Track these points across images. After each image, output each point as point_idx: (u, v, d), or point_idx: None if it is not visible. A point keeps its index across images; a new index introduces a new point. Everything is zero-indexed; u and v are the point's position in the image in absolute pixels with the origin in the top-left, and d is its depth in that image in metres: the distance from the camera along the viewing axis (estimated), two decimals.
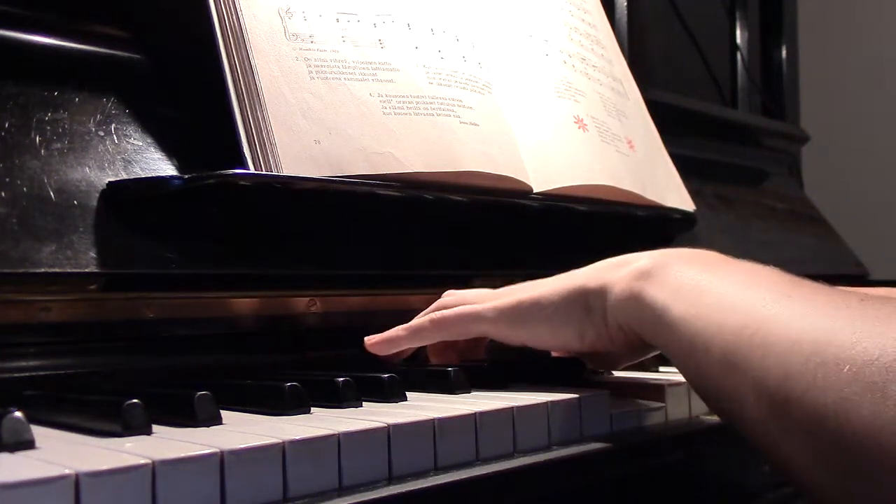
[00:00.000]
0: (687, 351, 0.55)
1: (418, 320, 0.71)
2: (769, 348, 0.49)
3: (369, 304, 0.79)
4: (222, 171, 0.65)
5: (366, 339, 0.71)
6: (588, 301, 0.62)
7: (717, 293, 0.55)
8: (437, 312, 0.70)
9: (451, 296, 0.73)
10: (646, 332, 0.59)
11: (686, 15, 1.55)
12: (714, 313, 0.53)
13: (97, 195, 0.64)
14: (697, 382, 0.56)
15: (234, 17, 0.70)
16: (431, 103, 0.77)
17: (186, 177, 0.66)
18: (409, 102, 0.76)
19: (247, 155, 0.67)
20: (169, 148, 0.71)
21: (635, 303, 0.59)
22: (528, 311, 0.65)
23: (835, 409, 0.44)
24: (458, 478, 0.48)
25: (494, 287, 0.72)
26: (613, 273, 0.61)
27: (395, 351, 0.71)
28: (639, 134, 1.03)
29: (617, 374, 0.74)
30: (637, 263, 0.60)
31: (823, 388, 0.45)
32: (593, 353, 0.68)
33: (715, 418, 0.68)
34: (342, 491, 0.45)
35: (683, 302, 0.55)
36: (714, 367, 0.52)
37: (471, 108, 0.80)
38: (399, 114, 0.75)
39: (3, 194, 0.60)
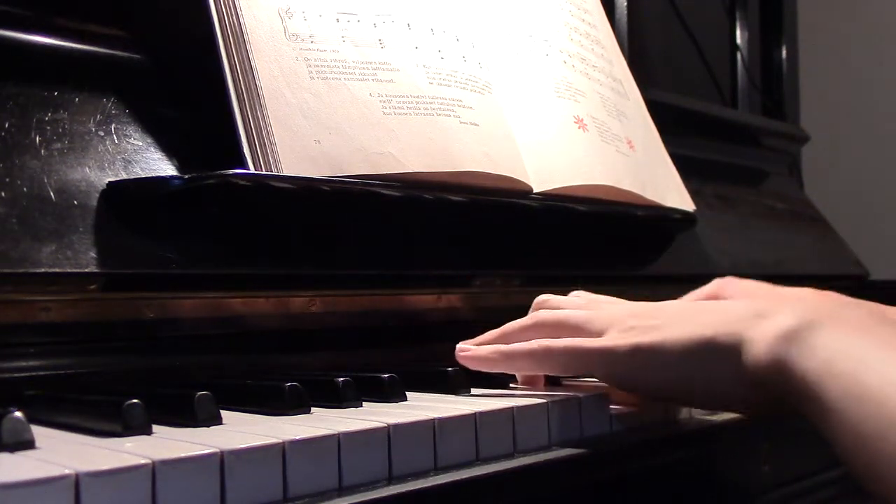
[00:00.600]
0: (851, 440, 0.47)
1: (524, 347, 0.62)
2: None
3: (369, 304, 0.79)
4: (222, 171, 0.65)
5: (459, 347, 0.65)
6: (718, 356, 0.54)
7: (884, 370, 0.47)
8: (543, 342, 0.61)
9: (547, 305, 0.66)
10: (794, 404, 0.51)
11: (686, 15, 1.55)
12: (884, 398, 0.46)
13: (97, 195, 0.64)
14: (865, 473, 0.47)
15: (234, 17, 0.70)
16: (431, 103, 0.77)
17: (186, 177, 0.66)
18: (409, 102, 0.76)
19: (247, 155, 0.67)
20: (169, 148, 0.71)
21: (780, 374, 0.51)
22: (647, 359, 0.57)
23: None
24: (458, 478, 0.48)
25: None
26: (751, 327, 0.53)
27: (484, 370, 0.64)
28: (639, 134, 1.03)
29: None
30: (780, 319, 0.52)
31: None
32: (716, 409, 0.62)
33: (715, 418, 0.68)
34: (342, 491, 0.45)
35: (841, 378, 0.48)
36: (891, 465, 0.45)
37: (471, 108, 0.80)
38: (399, 114, 0.75)
39: (3, 194, 0.60)
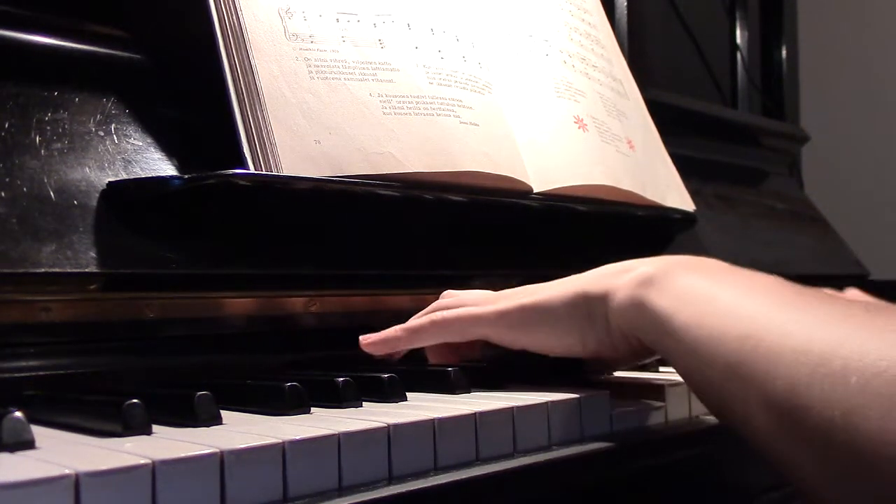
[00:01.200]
0: (690, 360, 0.55)
1: (417, 321, 0.70)
2: (774, 359, 0.48)
3: (369, 304, 0.79)
4: (222, 171, 0.65)
5: (361, 338, 0.71)
6: (590, 307, 0.62)
7: (720, 302, 0.54)
8: (437, 313, 0.69)
9: (449, 296, 0.72)
10: (649, 339, 0.59)
11: (686, 15, 1.55)
12: (717, 322, 0.53)
13: (97, 195, 0.64)
14: (701, 391, 0.56)
15: (234, 17, 0.70)
16: (431, 103, 0.77)
17: (186, 177, 0.66)
18: (409, 102, 0.76)
19: (247, 155, 0.67)
20: (169, 148, 0.71)
21: (638, 310, 0.58)
22: (529, 316, 0.65)
23: (842, 420, 0.44)
24: (458, 478, 0.48)
25: (494, 288, 0.71)
26: (616, 279, 0.61)
27: (391, 351, 0.71)
28: (639, 134, 1.03)
29: (617, 373, 0.74)
30: (640, 270, 0.60)
31: (830, 399, 0.45)
32: (595, 357, 0.67)
33: (715, 419, 0.68)
34: (342, 491, 0.45)
35: (686, 310, 0.55)
36: (718, 377, 0.52)
37: (471, 108, 0.80)
38: (399, 114, 0.75)
39: (3, 194, 0.60)
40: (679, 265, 0.59)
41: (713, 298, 0.55)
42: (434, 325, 0.68)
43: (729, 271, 0.59)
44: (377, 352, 0.70)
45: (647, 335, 0.59)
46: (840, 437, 0.44)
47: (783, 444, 0.48)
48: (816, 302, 0.52)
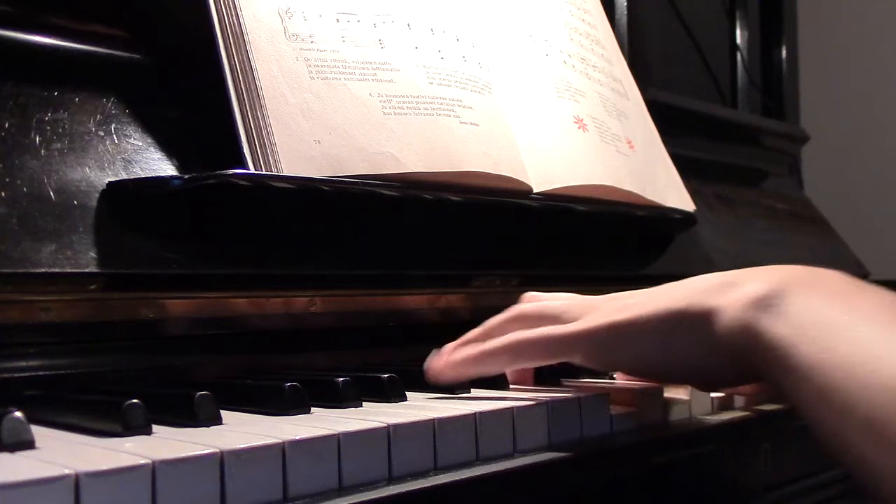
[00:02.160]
0: (819, 406, 0.46)
1: (493, 344, 0.60)
2: None
3: (369, 304, 0.79)
4: (222, 171, 0.65)
5: (427, 367, 0.61)
6: (692, 327, 0.54)
7: (854, 337, 0.46)
8: (516, 335, 0.60)
9: (531, 300, 0.64)
10: (764, 373, 0.51)
11: (686, 15, 1.55)
12: (854, 365, 0.45)
13: (97, 195, 0.64)
14: (832, 443, 0.47)
15: (234, 17, 0.70)
16: (431, 103, 0.77)
17: (186, 177, 0.66)
18: (409, 102, 0.76)
19: (247, 155, 0.67)
20: (169, 148, 0.71)
21: (750, 340, 0.50)
22: (622, 336, 0.57)
23: None
24: (458, 478, 0.48)
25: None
26: (720, 296, 0.53)
27: (464, 379, 0.61)
28: (639, 134, 1.03)
29: (617, 373, 0.74)
30: (749, 287, 0.51)
31: None
32: (698, 384, 0.62)
33: (715, 419, 0.68)
34: (342, 491, 0.45)
35: (812, 345, 0.47)
36: (857, 432, 0.44)
37: (471, 108, 0.80)
38: (399, 114, 0.75)
39: (3, 194, 0.60)
40: (797, 282, 0.51)
41: (844, 331, 0.47)
42: (513, 349, 0.60)
43: (859, 292, 0.50)
44: (447, 380, 0.61)
45: (762, 368, 0.50)
46: None
47: None
48: None
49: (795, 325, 0.48)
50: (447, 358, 0.61)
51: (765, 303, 0.50)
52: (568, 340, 0.58)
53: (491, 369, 0.62)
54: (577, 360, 0.60)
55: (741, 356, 0.52)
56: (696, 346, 0.54)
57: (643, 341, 0.56)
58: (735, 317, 0.51)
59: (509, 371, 0.66)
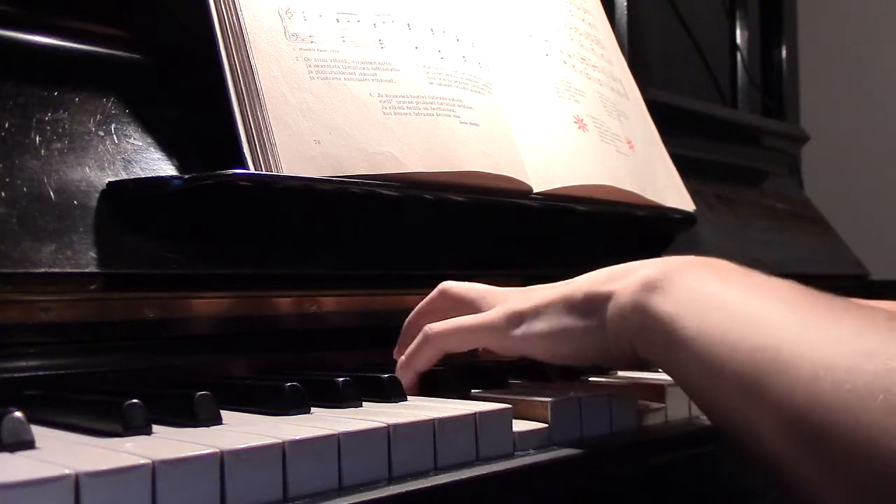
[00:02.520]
0: (697, 371, 0.50)
1: (413, 345, 0.65)
2: (793, 374, 0.44)
3: (369, 304, 0.79)
4: (222, 171, 0.65)
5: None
6: (589, 313, 0.58)
7: (731, 308, 0.50)
8: (429, 327, 0.64)
9: (446, 291, 0.68)
10: (650, 351, 0.54)
11: (686, 15, 1.55)
12: (729, 331, 0.49)
13: (97, 195, 0.64)
14: (709, 406, 0.52)
15: (234, 17, 0.70)
16: (431, 103, 0.77)
17: (186, 177, 0.66)
18: (409, 102, 0.76)
19: (247, 155, 0.67)
20: (169, 148, 0.71)
21: (640, 316, 0.54)
22: (524, 324, 0.61)
23: (867, 440, 0.41)
24: (458, 478, 0.48)
25: (504, 286, 0.69)
26: (616, 282, 0.56)
27: (409, 384, 0.64)
28: (639, 134, 1.03)
29: (618, 373, 0.74)
30: (642, 272, 0.55)
31: (855, 418, 0.41)
32: (593, 366, 0.65)
33: None
34: (342, 491, 0.45)
35: (693, 316, 0.51)
36: (728, 390, 0.48)
37: (471, 108, 0.80)
38: (399, 114, 0.75)
39: (3, 194, 0.60)
40: (686, 266, 0.54)
41: (723, 303, 0.50)
42: (427, 342, 0.64)
43: (741, 273, 0.54)
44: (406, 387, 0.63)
45: (648, 345, 0.54)
46: (864, 458, 0.41)
47: (801, 465, 0.44)
48: (839, 310, 0.47)
49: (679, 301, 0.52)
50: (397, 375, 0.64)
51: (654, 285, 0.54)
52: (477, 330, 0.63)
53: (420, 366, 0.65)
54: (488, 346, 0.64)
55: (630, 337, 0.55)
56: (591, 330, 0.58)
57: (542, 328, 0.60)
58: (627, 299, 0.55)
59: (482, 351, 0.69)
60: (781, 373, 0.45)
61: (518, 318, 0.61)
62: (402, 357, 0.66)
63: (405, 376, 0.64)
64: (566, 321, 0.59)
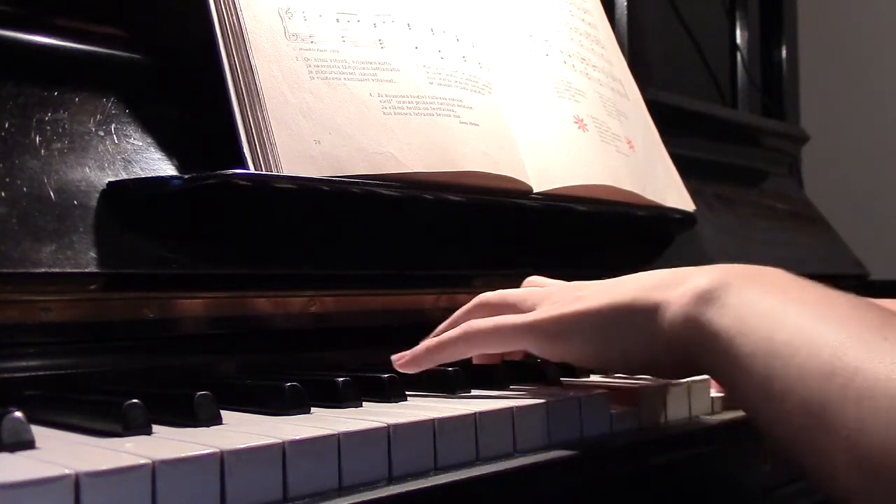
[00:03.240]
0: (758, 394, 0.48)
1: (450, 334, 0.63)
2: (868, 404, 0.41)
3: (369, 304, 0.79)
4: (222, 171, 0.65)
5: (393, 358, 0.64)
6: (637, 321, 0.56)
7: (793, 327, 0.47)
8: (470, 323, 0.63)
9: (530, 285, 0.67)
10: (705, 364, 0.52)
11: (686, 15, 1.55)
12: (793, 354, 0.46)
13: (97, 195, 0.64)
14: (771, 430, 0.48)
15: (234, 17, 0.70)
16: (431, 103, 0.77)
17: (186, 177, 0.66)
18: (409, 102, 0.76)
19: (247, 155, 0.67)
20: (169, 148, 0.71)
21: (694, 331, 0.52)
22: (569, 328, 0.59)
23: None
24: (458, 478, 0.48)
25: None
26: (667, 291, 0.54)
27: (424, 369, 0.64)
28: (639, 134, 1.03)
29: (616, 375, 0.74)
30: (695, 282, 0.53)
31: None
32: (640, 373, 0.64)
33: (715, 418, 0.68)
34: (342, 491, 0.45)
35: (752, 335, 0.48)
36: (794, 418, 0.45)
37: (471, 108, 0.80)
38: (399, 114, 0.75)
39: (3, 194, 0.60)
40: (740, 277, 0.52)
41: (784, 322, 0.47)
42: (468, 337, 0.62)
43: (799, 286, 0.51)
44: (411, 370, 0.64)
45: (703, 360, 0.52)
46: None
47: (876, 501, 0.41)
48: None
49: (736, 316, 0.50)
50: (408, 353, 0.64)
51: (708, 296, 0.52)
52: (518, 330, 0.61)
53: (448, 357, 0.63)
54: (528, 349, 0.62)
55: (683, 348, 0.53)
56: (641, 339, 0.56)
57: (589, 335, 0.58)
58: (680, 310, 0.53)
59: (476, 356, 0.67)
60: (854, 403, 0.42)
61: (562, 323, 0.59)
62: (430, 341, 0.64)
63: (422, 364, 0.63)
64: (613, 331, 0.57)
